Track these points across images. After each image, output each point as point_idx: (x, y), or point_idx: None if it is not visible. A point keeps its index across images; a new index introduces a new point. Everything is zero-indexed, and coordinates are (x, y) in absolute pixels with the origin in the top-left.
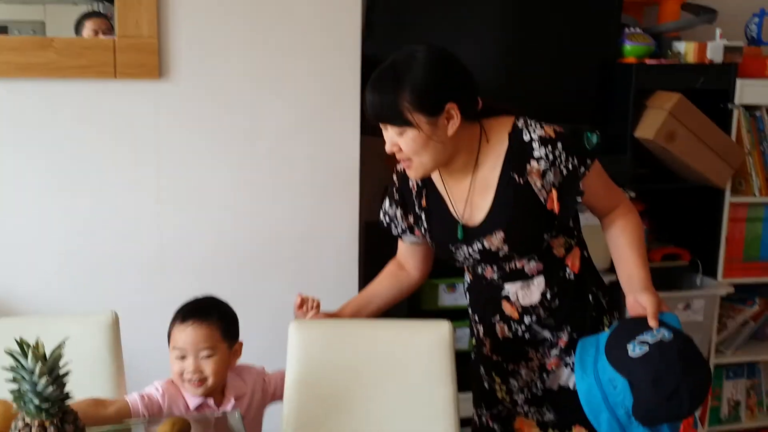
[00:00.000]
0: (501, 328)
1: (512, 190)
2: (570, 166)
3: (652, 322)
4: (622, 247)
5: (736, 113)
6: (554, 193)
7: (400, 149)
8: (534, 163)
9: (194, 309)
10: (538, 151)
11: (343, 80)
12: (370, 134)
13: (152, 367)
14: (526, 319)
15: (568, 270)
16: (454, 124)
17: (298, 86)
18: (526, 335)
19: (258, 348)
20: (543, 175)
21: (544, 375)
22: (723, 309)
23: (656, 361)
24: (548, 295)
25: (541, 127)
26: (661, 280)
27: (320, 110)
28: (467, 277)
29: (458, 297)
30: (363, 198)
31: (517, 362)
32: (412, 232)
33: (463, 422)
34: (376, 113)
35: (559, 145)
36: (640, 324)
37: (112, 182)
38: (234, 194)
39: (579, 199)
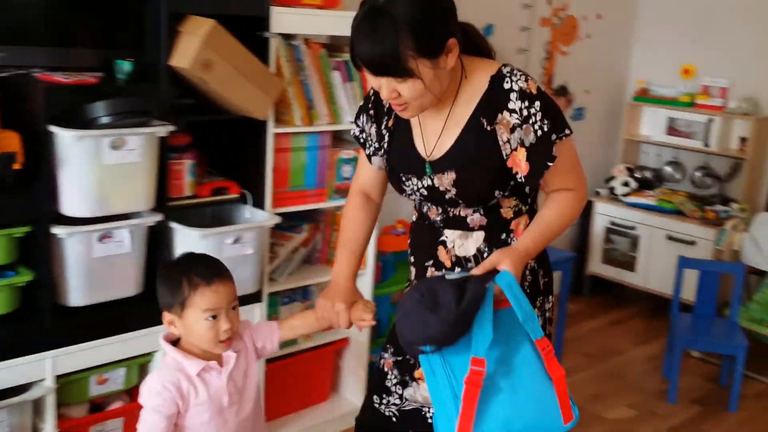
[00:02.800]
0: (431, 274)
1: (476, 135)
2: (545, 128)
3: (475, 270)
4: (537, 217)
5: (273, 42)
6: (521, 152)
7: (399, 95)
8: (506, 114)
9: (210, 269)
10: (515, 103)
11: None
12: None
13: None
14: (457, 270)
15: (512, 235)
16: (453, 56)
17: None
18: None
19: None
20: (512, 129)
21: None
22: (275, 238)
23: (420, 283)
24: (484, 253)
25: (526, 80)
26: (213, 216)
27: None
28: (413, 216)
29: None
30: None
31: None
32: (380, 153)
33: None
34: (375, 66)
35: (537, 103)
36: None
37: None
38: None
39: (550, 164)
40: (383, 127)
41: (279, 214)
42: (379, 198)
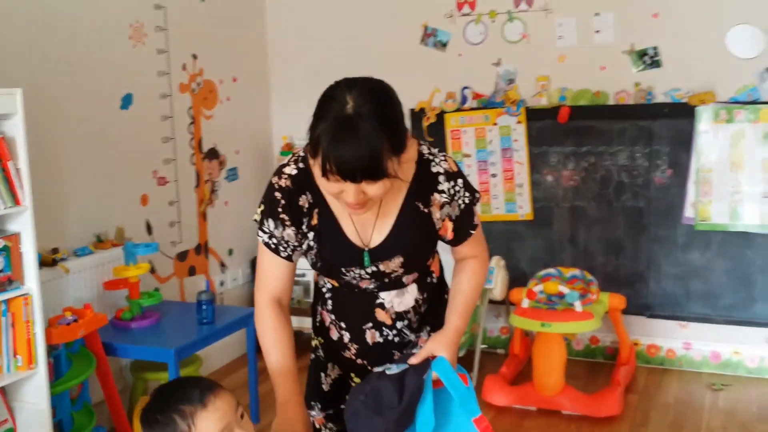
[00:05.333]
0: (372, 335)
1: (415, 218)
2: (467, 200)
3: (412, 359)
4: (458, 292)
5: None
6: (448, 223)
7: (364, 195)
8: (437, 195)
9: (195, 389)
10: (443, 184)
11: None
12: None
13: None
14: (399, 324)
15: (433, 276)
16: (409, 149)
17: None
18: (396, 339)
19: None
20: (442, 206)
21: None
22: None
23: (363, 383)
24: (420, 301)
25: (444, 159)
26: None
27: None
28: (329, 284)
29: None
30: None
31: (383, 363)
32: (301, 251)
33: None
34: (356, 172)
35: (460, 181)
36: (408, 356)
37: None
38: None
39: (472, 232)
40: (304, 227)
41: None
42: (288, 297)
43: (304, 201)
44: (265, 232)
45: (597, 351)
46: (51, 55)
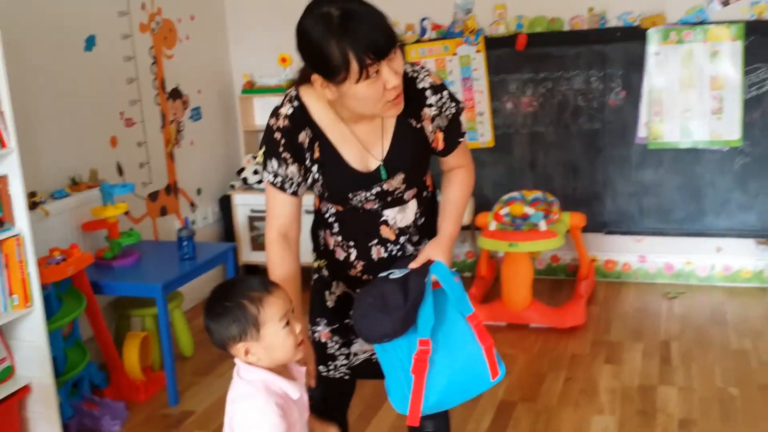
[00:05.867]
0: (377, 251)
1: (410, 134)
2: (454, 110)
3: (412, 264)
4: (449, 201)
5: None
6: (439, 134)
7: (398, 75)
8: (427, 109)
9: (259, 281)
10: (431, 98)
11: None
12: None
13: None
14: (401, 239)
15: (428, 190)
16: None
17: None
18: (399, 253)
19: None
20: (433, 119)
21: None
22: None
23: (370, 287)
24: (419, 215)
25: (428, 74)
26: None
27: None
28: (333, 210)
29: None
30: None
31: None
32: (307, 184)
33: None
34: (386, 41)
35: (445, 93)
36: (408, 263)
37: None
38: None
39: (461, 140)
40: (308, 161)
41: None
42: (296, 230)
43: (303, 137)
44: (269, 172)
45: (558, 269)
46: None
